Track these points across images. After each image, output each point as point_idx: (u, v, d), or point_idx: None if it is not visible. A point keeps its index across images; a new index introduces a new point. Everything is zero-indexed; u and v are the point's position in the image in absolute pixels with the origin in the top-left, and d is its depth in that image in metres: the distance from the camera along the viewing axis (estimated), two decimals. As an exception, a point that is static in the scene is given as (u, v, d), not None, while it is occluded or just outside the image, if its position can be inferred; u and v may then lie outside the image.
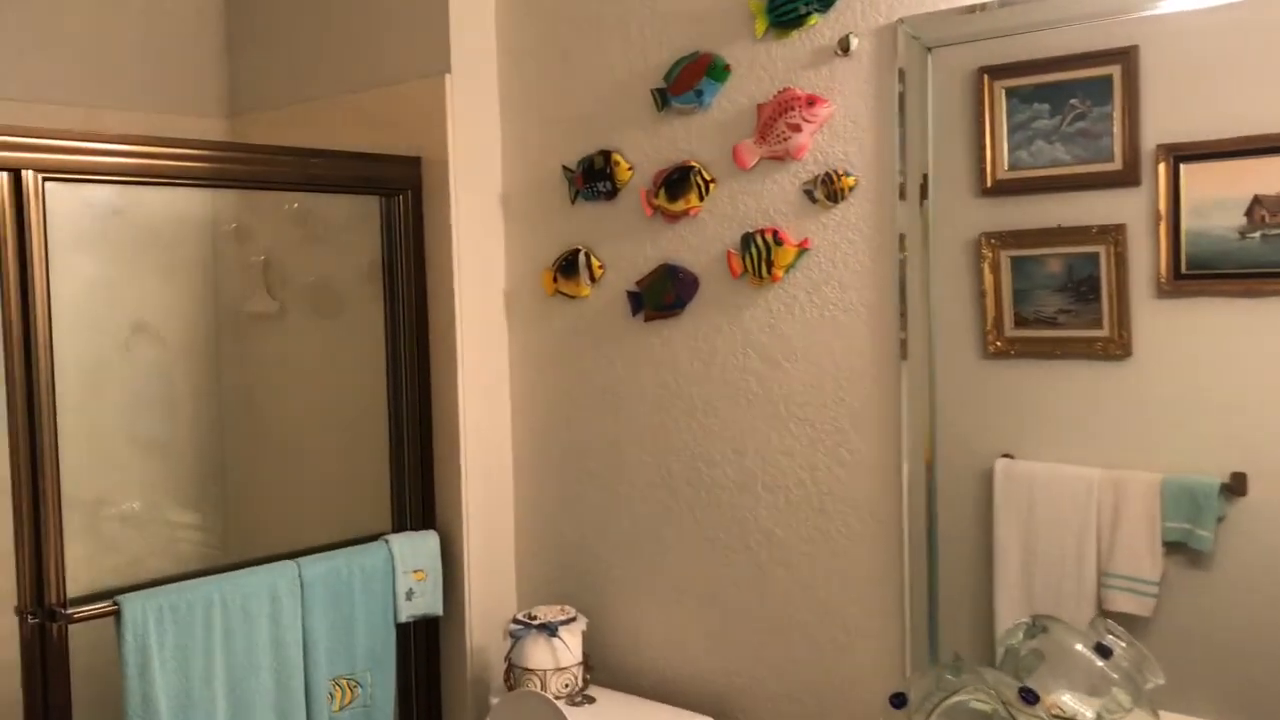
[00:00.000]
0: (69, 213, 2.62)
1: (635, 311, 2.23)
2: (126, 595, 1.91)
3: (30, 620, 1.85)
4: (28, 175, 1.83)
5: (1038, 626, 1.71)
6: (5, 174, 1.82)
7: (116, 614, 1.90)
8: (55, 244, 1.87)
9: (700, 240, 2.12)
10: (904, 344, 1.85)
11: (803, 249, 1.98)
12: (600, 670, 2.31)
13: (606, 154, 2.23)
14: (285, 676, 2.08)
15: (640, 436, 2.24)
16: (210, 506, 2.92)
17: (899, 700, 1.69)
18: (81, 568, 2.58)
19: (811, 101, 1.94)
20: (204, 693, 1.97)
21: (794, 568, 2.04)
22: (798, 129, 1.96)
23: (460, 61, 2.34)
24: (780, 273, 2.00)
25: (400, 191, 2.36)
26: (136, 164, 1.99)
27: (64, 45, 2.59)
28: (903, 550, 1.88)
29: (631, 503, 2.27)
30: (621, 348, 2.26)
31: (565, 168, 2.31)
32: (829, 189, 1.94)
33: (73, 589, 1.91)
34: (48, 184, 1.86)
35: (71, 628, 1.88)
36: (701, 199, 2.10)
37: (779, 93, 1.98)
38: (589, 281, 2.29)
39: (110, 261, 2.72)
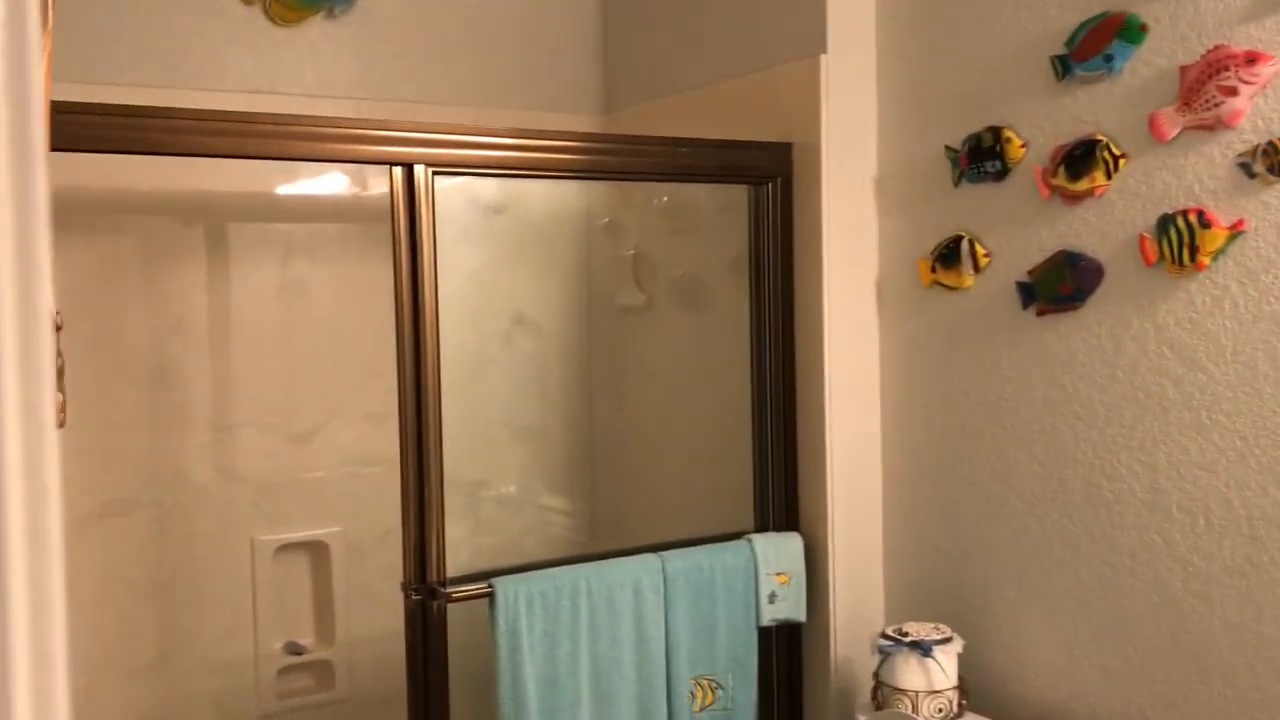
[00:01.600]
0: (456, 208, 2.76)
1: (1026, 304, 2.02)
2: (500, 579, 1.95)
3: (413, 596, 1.93)
4: (419, 170, 1.91)
5: None
6: (399, 169, 1.90)
7: (490, 596, 1.94)
8: (442, 238, 1.95)
9: (1106, 224, 1.87)
10: (1371, 344, 1.53)
11: (1236, 232, 1.70)
12: (977, 696, 2.12)
13: (996, 130, 2.03)
14: (648, 671, 2.06)
15: (1029, 444, 2.03)
16: (580, 493, 2.98)
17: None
18: (461, 546, 2.72)
19: (1251, 59, 1.65)
20: (569, 681, 1.98)
21: (1215, 603, 1.75)
22: (1233, 92, 1.68)
23: (837, 40, 2.22)
24: (1206, 260, 1.73)
25: (770, 179, 2.28)
26: (518, 158, 2.02)
27: (452, 49, 2.72)
28: (1364, 592, 1.56)
29: (1017, 516, 2.06)
30: (1008, 345, 2.05)
31: (948, 148, 2.13)
32: (1271, 161, 1.64)
33: (451, 566, 1.98)
34: (437, 178, 1.93)
35: (451, 605, 1.95)
36: (1109, 177, 1.86)
37: (1209, 51, 1.71)
38: (972, 271, 2.10)
39: (493, 256, 2.84)
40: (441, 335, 1.96)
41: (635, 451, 2.89)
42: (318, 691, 2.61)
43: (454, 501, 2.77)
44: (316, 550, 2.60)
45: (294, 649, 2.57)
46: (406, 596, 1.94)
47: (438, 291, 1.93)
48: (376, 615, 2.64)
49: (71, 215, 2.31)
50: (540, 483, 2.95)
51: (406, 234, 1.91)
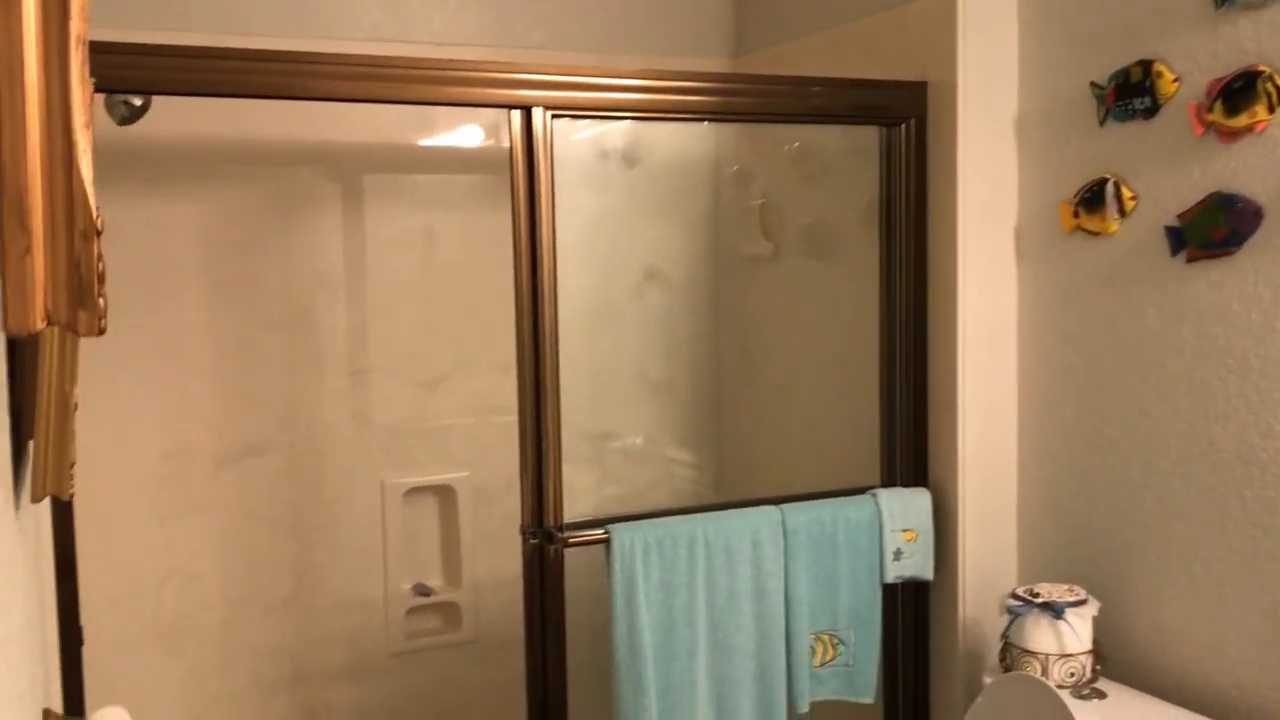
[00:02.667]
0: (586, 158, 2.75)
1: (1175, 250, 1.89)
2: (616, 525, 1.94)
3: (530, 540, 1.94)
4: (537, 113, 1.89)
5: None
6: (517, 112, 1.89)
7: (606, 543, 1.93)
8: (572, 188, 1.92)
9: (1266, 162, 1.73)
10: None
11: None
12: (1113, 664, 2.02)
13: (1146, 64, 1.89)
14: (766, 624, 2.02)
15: (1175, 400, 1.90)
16: (704, 446, 2.96)
17: None
18: (586, 496, 2.74)
19: None
20: (686, 630, 1.96)
21: (1381, 571, 1.62)
22: None
23: (974, -29, 2.11)
24: (1380, 199, 1.58)
25: (902, 121, 2.19)
26: (639, 100, 1.99)
27: (581, -6, 2.70)
28: None
29: (1162, 477, 1.94)
30: (1155, 293, 1.93)
31: (1094, 84, 2.00)
32: None
33: (575, 514, 1.98)
34: (555, 121, 1.91)
35: (569, 552, 1.95)
36: (1271, 111, 1.71)
37: (1390, -32, 1.55)
38: (1117, 215, 1.98)
39: (623, 206, 2.82)
40: (565, 285, 1.96)
41: (761, 405, 2.84)
42: (445, 632, 2.66)
43: (580, 452, 2.79)
44: (444, 495, 2.65)
45: (422, 590, 2.62)
46: (524, 540, 1.95)
47: (555, 238, 1.92)
48: (502, 560, 2.67)
49: (207, 163, 2.38)
50: (666, 435, 2.94)
51: (525, 180, 1.90)
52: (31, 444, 0.90)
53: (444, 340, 2.62)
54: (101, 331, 0.54)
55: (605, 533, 1.94)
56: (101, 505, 2.30)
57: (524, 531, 1.95)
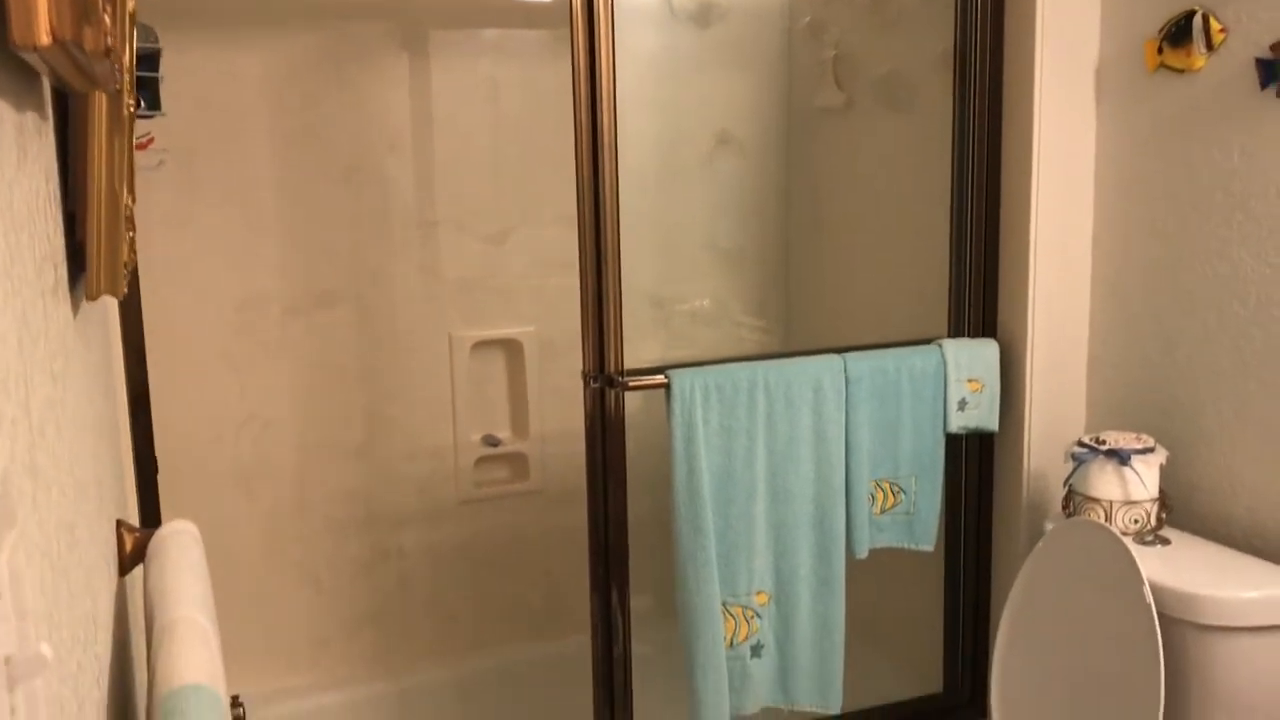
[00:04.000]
0: (656, 16, 2.69)
1: (1265, 84, 1.79)
2: (676, 370, 1.95)
3: (592, 385, 1.96)
4: (597, -48, 1.84)
5: None
6: (576, -48, 1.84)
7: (667, 387, 1.94)
8: (639, 48, 1.85)
9: (1369, -16, 1.63)
10: None
11: None
12: (1180, 513, 1.99)
13: (1243, -117, 1.78)
14: (826, 471, 2.03)
15: (1259, 244, 1.83)
16: (773, 309, 2.94)
17: None
18: (655, 356, 2.75)
19: None
20: (745, 474, 1.98)
21: None
22: None
23: None
24: None
25: (979, -44, 2.09)
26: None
27: None
28: None
29: (1239, 325, 1.88)
30: (1242, 132, 1.84)
31: (1185, -92, 1.89)
32: None
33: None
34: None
35: (633, 407, 1.97)
36: (1377, -73, 1.60)
37: None
38: (1204, 50, 1.88)
39: (693, 65, 2.76)
40: (630, 142, 1.93)
41: (831, 263, 2.81)
42: (513, 482, 2.72)
43: (648, 315, 2.79)
44: (511, 348, 2.68)
45: (491, 441, 2.68)
46: (586, 385, 1.97)
47: (615, 92, 1.88)
48: (569, 413, 2.71)
49: (272, 11, 2.38)
50: (734, 298, 2.92)
51: (584, 29, 1.86)
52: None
53: (510, 194, 2.62)
54: (108, 53, 0.55)
55: (665, 378, 1.95)
56: (179, 353, 2.37)
57: (586, 377, 1.97)
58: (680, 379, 1.93)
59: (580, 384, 1.97)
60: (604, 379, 1.95)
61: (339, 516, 2.56)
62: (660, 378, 1.95)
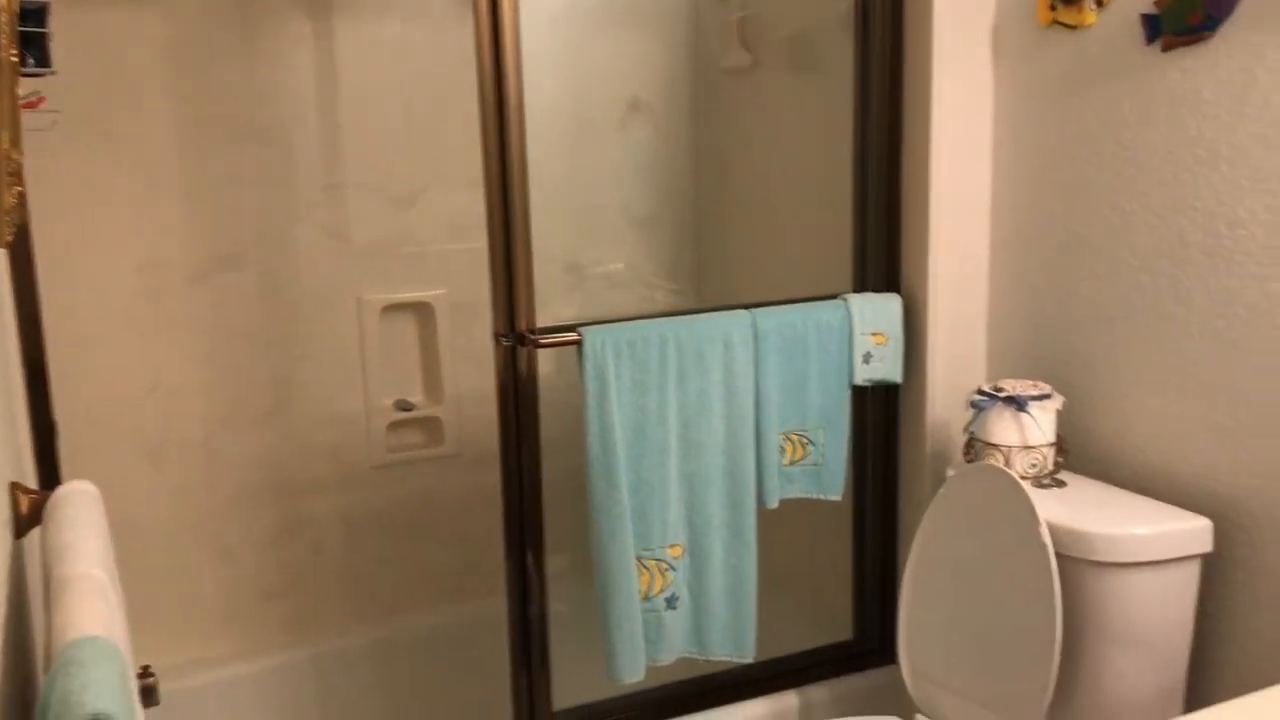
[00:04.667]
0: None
1: (1151, 39, 1.85)
2: (588, 327, 1.96)
3: (503, 343, 1.96)
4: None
5: None
6: (478, -101, 1.82)
7: (578, 345, 1.95)
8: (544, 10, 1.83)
9: (1246, -59, 1.69)
10: None
11: (1396, -62, 1.50)
12: (1076, 457, 2.07)
13: None
14: (736, 424, 2.06)
15: (1146, 194, 1.90)
16: (686, 270, 2.96)
17: None
18: (570, 318, 2.75)
19: None
20: (657, 429, 2.00)
21: (1337, 354, 1.64)
22: None
23: None
24: (1358, -28, 1.54)
25: (879, -86, 2.12)
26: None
27: None
28: None
29: (1129, 273, 1.95)
30: (1130, 86, 1.90)
31: None
32: None
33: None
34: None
35: (548, 365, 1.97)
36: (1253, -115, 1.66)
37: None
38: (1094, 6, 1.93)
39: (598, 23, 2.75)
40: (544, 103, 1.92)
41: (740, 222, 2.84)
42: (427, 447, 2.71)
43: (563, 280, 2.80)
44: (423, 312, 2.66)
45: (404, 405, 2.66)
46: (497, 344, 1.97)
47: (520, 48, 1.88)
48: (485, 377, 2.71)
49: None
50: (648, 261, 2.94)
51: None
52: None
53: (420, 156, 2.60)
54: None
55: (578, 335, 1.96)
56: (79, 319, 2.32)
57: (496, 336, 1.97)
58: (592, 336, 1.94)
59: (494, 347, 1.97)
60: (515, 337, 1.95)
61: (249, 484, 2.53)
62: (572, 335, 1.96)
